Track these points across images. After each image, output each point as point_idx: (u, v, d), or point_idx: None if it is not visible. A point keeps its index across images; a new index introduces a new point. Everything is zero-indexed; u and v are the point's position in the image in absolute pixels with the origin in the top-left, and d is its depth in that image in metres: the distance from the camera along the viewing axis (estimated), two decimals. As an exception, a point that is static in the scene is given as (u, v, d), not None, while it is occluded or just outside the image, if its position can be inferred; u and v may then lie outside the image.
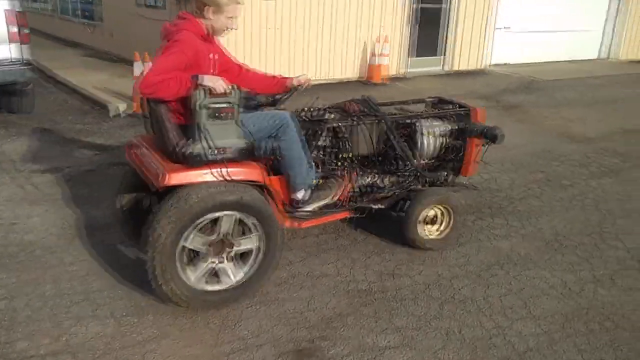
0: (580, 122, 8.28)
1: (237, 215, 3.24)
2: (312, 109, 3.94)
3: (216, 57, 3.42)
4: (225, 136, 3.18)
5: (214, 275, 3.33)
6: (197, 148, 3.12)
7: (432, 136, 4.23)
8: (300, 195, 3.68)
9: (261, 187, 3.39)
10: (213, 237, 3.23)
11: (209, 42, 3.40)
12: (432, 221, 4.14)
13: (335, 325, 3.24)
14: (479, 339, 3.16)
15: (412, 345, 3.09)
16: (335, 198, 3.88)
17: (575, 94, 10.32)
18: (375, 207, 4.03)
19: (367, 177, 4.12)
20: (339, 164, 3.95)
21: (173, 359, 2.92)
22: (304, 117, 3.87)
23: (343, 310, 3.38)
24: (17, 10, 6.67)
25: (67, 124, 7.16)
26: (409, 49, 11.16)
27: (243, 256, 3.39)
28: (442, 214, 4.16)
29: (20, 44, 6.74)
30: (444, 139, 4.31)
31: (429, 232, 4.14)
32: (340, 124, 3.89)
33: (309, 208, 3.75)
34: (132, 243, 3.85)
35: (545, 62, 13.41)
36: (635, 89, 11.05)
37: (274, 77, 3.93)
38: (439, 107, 4.55)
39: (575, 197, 5.30)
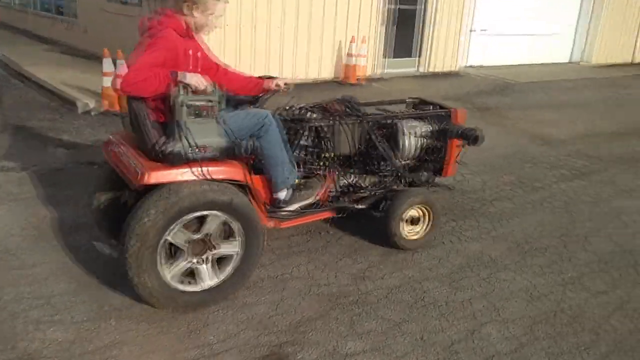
0: (552, 124, 8.36)
1: (224, 217, 3.20)
2: (293, 108, 3.93)
3: (197, 54, 3.39)
4: (205, 134, 3.13)
5: (189, 275, 3.27)
6: (177, 146, 3.07)
7: (413, 137, 4.25)
8: (282, 195, 3.65)
9: (243, 187, 3.35)
10: (196, 235, 3.18)
11: (188, 38, 3.35)
12: (413, 221, 4.14)
13: (303, 329, 3.19)
14: (447, 342, 3.13)
15: (380, 349, 3.05)
16: (317, 198, 3.85)
17: (548, 97, 10.42)
18: (356, 207, 4.03)
19: (349, 177, 4.12)
20: (321, 163, 3.94)
21: (135, 365, 2.85)
22: (285, 117, 3.86)
23: (312, 314, 3.32)
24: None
25: (35, 121, 6.99)
26: (384, 50, 11.16)
27: (221, 260, 3.34)
28: (424, 214, 4.17)
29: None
30: (425, 139, 4.34)
31: (409, 232, 4.14)
32: (321, 123, 3.88)
33: (291, 208, 3.73)
34: (109, 242, 3.79)
35: (519, 65, 13.53)
36: (605, 92, 11.20)
37: (252, 78, 3.89)
38: (420, 108, 4.58)
39: (545, 199, 5.32)
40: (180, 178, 3.09)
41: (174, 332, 3.10)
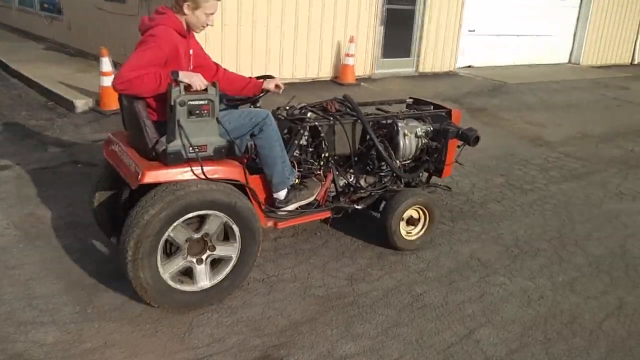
0: (542, 126, 8.35)
1: (226, 219, 3.20)
2: (292, 108, 3.93)
3: (198, 53, 3.40)
4: (203, 134, 3.12)
5: (184, 275, 3.26)
6: (175, 146, 3.05)
7: (412, 137, 4.25)
8: (281, 195, 3.63)
9: (242, 187, 3.33)
10: (196, 234, 3.17)
11: (186, 37, 3.33)
12: (411, 222, 4.13)
13: (290, 333, 3.13)
14: (436, 348, 3.09)
15: (369, 354, 3.00)
16: (316, 198, 3.83)
17: (538, 98, 10.41)
18: (355, 207, 4.03)
19: (347, 177, 4.11)
20: (320, 163, 3.92)
21: (118, 370, 2.79)
22: (283, 116, 3.85)
23: (299, 318, 3.27)
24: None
25: (20, 119, 6.88)
26: (381, 50, 11.11)
27: (217, 262, 3.33)
28: (422, 217, 4.17)
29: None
30: (424, 140, 4.33)
31: (407, 232, 4.13)
32: (320, 123, 3.87)
33: (290, 208, 3.69)
34: (108, 240, 3.77)
35: (510, 66, 13.53)
36: (595, 94, 11.22)
37: (251, 79, 3.86)
38: (418, 108, 4.58)
39: (535, 201, 5.30)
40: (179, 177, 3.10)
41: (159, 335, 3.04)
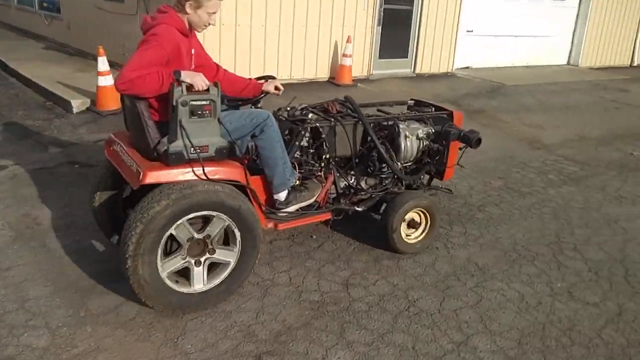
0: (540, 128, 8.32)
1: (229, 222, 3.18)
2: (293, 109, 3.91)
3: (199, 53, 3.39)
4: (205, 134, 3.11)
5: (182, 276, 3.24)
6: (177, 146, 3.03)
7: (413, 139, 4.23)
8: (282, 196, 3.61)
9: (242, 188, 3.32)
10: (198, 234, 3.15)
11: (188, 36, 3.32)
12: (412, 225, 4.11)
13: (284, 339, 3.10)
14: (432, 355, 3.06)
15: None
16: (317, 199, 3.81)
17: (536, 100, 10.38)
18: (354, 209, 4.02)
19: (348, 179, 4.09)
20: (321, 164, 3.90)
21: (109, 375, 2.76)
22: (284, 117, 3.84)
23: (293, 323, 3.24)
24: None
25: (17, 119, 6.85)
26: (379, 51, 11.08)
27: (214, 266, 3.30)
28: (423, 221, 4.15)
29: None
30: (425, 142, 4.31)
31: (407, 235, 4.10)
32: (321, 124, 3.85)
33: (290, 209, 3.67)
34: (108, 240, 3.74)
35: (508, 67, 13.50)
36: (593, 96, 11.19)
37: (251, 80, 3.84)
38: (420, 109, 4.55)
39: (534, 205, 5.27)
40: (181, 178, 3.08)
41: (152, 339, 3.01)
